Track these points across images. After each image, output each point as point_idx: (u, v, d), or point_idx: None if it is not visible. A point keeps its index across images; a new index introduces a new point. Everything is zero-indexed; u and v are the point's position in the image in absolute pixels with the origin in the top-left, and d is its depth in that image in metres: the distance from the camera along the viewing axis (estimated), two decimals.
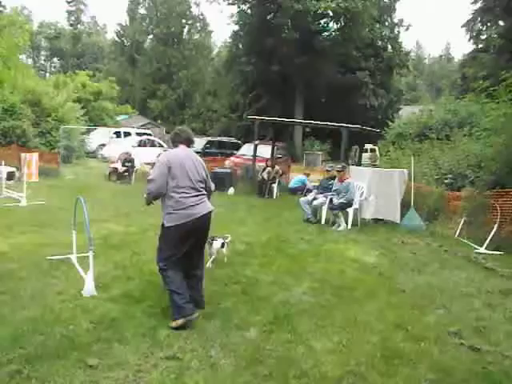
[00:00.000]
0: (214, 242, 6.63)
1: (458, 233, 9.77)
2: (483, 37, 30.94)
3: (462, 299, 5.93)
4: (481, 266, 7.67)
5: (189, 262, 4.90)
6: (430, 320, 5.15)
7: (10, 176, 14.50)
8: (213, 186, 5.23)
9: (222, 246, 6.82)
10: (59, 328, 4.32)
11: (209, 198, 5.05)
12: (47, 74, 77.79)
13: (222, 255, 6.98)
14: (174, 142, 5.10)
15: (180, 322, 4.51)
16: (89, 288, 5.27)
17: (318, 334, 4.59)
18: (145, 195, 4.83)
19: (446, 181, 11.87)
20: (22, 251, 6.87)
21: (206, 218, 4.84)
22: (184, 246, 4.74)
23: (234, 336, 4.44)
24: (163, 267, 4.74)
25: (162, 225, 4.82)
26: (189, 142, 5.09)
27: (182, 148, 5.00)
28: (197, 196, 4.77)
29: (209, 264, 6.55)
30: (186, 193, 4.70)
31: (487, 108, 13.14)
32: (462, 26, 32.11)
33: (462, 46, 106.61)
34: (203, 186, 4.91)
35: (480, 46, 30.76)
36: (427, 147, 14.60)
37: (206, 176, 5.01)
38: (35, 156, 16.12)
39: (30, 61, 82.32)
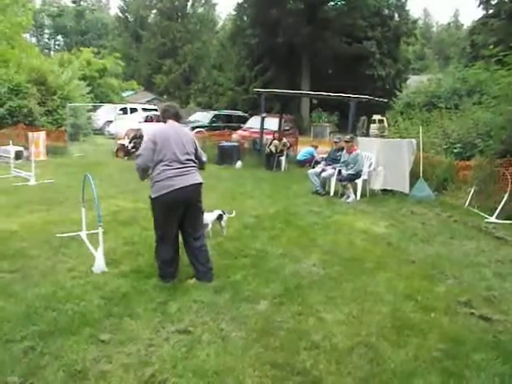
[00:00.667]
0: (209, 213, 6.58)
1: (467, 202, 9.71)
2: (494, 2, 30.25)
3: (472, 269, 5.91)
4: (491, 235, 7.64)
5: (183, 232, 5.15)
6: (439, 290, 5.14)
7: (18, 155, 14.53)
8: (204, 158, 5.37)
9: (220, 218, 6.81)
10: (71, 304, 4.36)
11: (202, 168, 5.31)
12: (51, 52, 77.34)
13: (224, 231, 6.99)
14: (164, 118, 5.24)
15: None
16: (99, 264, 5.31)
17: (329, 306, 4.60)
18: (135, 168, 5.07)
19: (455, 150, 11.78)
20: (32, 230, 6.92)
21: (188, 190, 4.91)
22: (170, 218, 4.97)
23: (245, 309, 4.46)
24: (157, 238, 5.11)
25: (149, 197, 5.02)
26: (177, 118, 5.22)
27: (169, 123, 5.14)
28: (179, 169, 4.89)
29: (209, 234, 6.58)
30: (168, 165, 4.84)
31: (497, 75, 12.92)
32: None
33: (471, 13, 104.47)
34: (189, 158, 5.01)
35: (490, 11, 30.09)
36: (436, 117, 14.46)
37: (195, 149, 5.14)
38: (42, 135, 16.12)
39: (33, 39, 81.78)
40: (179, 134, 5.04)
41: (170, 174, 4.82)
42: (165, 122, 5.20)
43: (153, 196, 4.91)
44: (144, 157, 4.91)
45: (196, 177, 5.03)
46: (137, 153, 5.10)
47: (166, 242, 5.04)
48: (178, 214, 4.95)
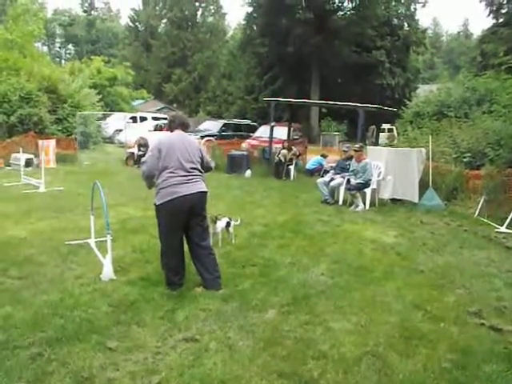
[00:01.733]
0: (218, 221, 6.64)
1: (477, 212, 9.64)
2: (504, 11, 30.15)
3: (482, 279, 5.86)
4: (501, 245, 7.58)
5: (189, 241, 5.19)
6: (449, 300, 5.10)
7: (28, 163, 14.66)
8: (212, 164, 5.56)
9: (228, 225, 6.81)
10: (78, 311, 4.37)
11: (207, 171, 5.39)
12: (62, 61, 78.17)
13: (232, 237, 7.03)
14: (171, 128, 5.30)
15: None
16: (107, 272, 5.32)
17: (337, 315, 4.57)
18: (142, 176, 5.15)
19: (464, 159, 11.70)
20: (41, 237, 6.95)
21: (192, 198, 4.94)
22: (174, 225, 5.01)
23: (252, 317, 4.44)
24: (163, 246, 5.21)
25: (154, 204, 5.09)
26: (184, 127, 5.29)
27: (176, 132, 5.22)
28: (184, 176, 4.93)
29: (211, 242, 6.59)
30: (173, 173, 4.89)
31: (507, 84, 12.89)
32: (481, 1, 31.33)
33: (480, 22, 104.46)
34: (194, 167, 5.05)
35: (500, 20, 29.97)
36: (445, 126, 14.39)
37: (201, 158, 5.18)
38: (52, 142, 16.25)
39: (45, 48, 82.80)
40: (184, 142, 5.09)
41: (175, 181, 4.87)
42: (172, 131, 5.26)
43: (157, 203, 4.98)
44: (149, 164, 4.99)
45: (201, 185, 5.08)
46: (142, 160, 5.19)
47: (171, 249, 5.10)
48: (181, 221, 4.98)
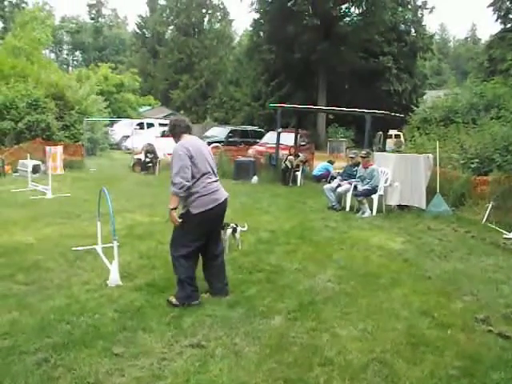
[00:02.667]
0: (227, 228, 6.68)
1: (485, 218, 9.58)
2: None
3: (490, 286, 5.82)
4: (509, 251, 7.51)
5: (206, 249, 4.99)
6: (456, 307, 5.07)
7: (36, 169, 14.72)
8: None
9: (234, 231, 6.83)
10: (85, 317, 4.38)
11: None
12: (70, 68, 78.68)
13: (238, 243, 7.04)
14: (176, 134, 4.97)
15: (180, 305, 4.71)
16: (114, 278, 5.33)
17: (343, 322, 4.55)
18: (175, 190, 4.57)
19: (472, 165, 11.65)
20: (48, 243, 6.97)
21: (226, 203, 4.97)
22: (205, 233, 4.86)
23: (259, 324, 4.44)
24: (180, 256, 4.79)
25: (185, 213, 4.77)
26: (190, 130, 5.04)
27: (190, 137, 4.96)
28: (217, 181, 4.92)
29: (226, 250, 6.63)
30: (210, 178, 4.79)
31: None
32: (489, 6, 31.31)
33: (488, 27, 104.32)
34: (216, 171, 5.02)
35: (508, 25, 29.92)
36: (453, 132, 14.35)
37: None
38: (60, 149, 16.32)
39: (52, 55, 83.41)
40: (205, 146, 5.07)
41: (214, 187, 4.81)
42: (177, 137, 4.95)
43: (196, 212, 4.68)
44: (186, 175, 4.57)
45: (224, 189, 5.05)
46: (174, 171, 4.58)
47: (192, 258, 4.88)
48: (213, 228, 4.98)
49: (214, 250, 5.06)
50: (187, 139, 4.89)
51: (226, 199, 4.94)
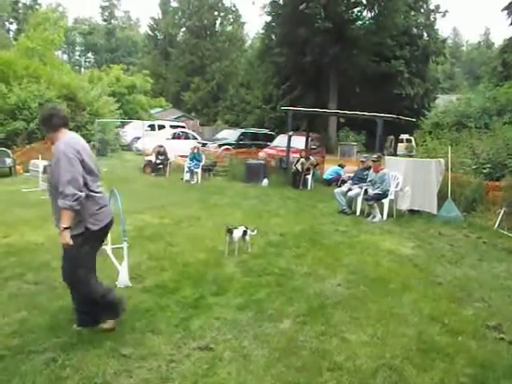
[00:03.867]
0: (235, 230, 6.69)
1: (497, 224, 9.51)
2: None
3: (501, 292, 5.77)
4: None
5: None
6: (467, 313, 5.02)
7: (47, 169, 14.77)
8: None
9: (244, 234, 6.83)
10: None
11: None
12: (82, 69, 79.14)
13: (248, 245, 7.03)
14: (52, 127, 4.01)
15: (114, 325, 4.19)
16: (123, 279, 5.34)
17: (353, 326, 4.52)
18: (67, 203, 3.73)
19: (484, 170, 11.58)
20: (57, 242, 6.94)
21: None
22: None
23: (268, 327, 4.42)
24: (86, 280, 4.08)
25: (81, 234, 3.94)
26: (68, 126, 4.14)
27: (71, 133, 4.13)
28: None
29: (226, 253, 6.73)
30: (100, 186, 4.11)
31: None
32: (503, 10, 31.06)
33: (502, 31, 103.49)
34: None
35: None
36: (465, 136, 14.27)
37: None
38: None
39: (65, 56, 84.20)
40: (88, 146, 4.21)
41: (107, 198, 4.25)
42: (54, 130, 4.02)
43: (98, 227, 3.98)
44: (80, 183, 3.78)
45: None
46: (64, 178, 3.72)
47: (93, 274, 4.22)
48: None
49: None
50: (71, 136, 4.04)
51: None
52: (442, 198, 10.50)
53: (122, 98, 33.40)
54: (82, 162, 3.83)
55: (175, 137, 25.33)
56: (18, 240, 7.11)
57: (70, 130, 4.18)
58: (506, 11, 30.97)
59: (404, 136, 29.87)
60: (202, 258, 6.54)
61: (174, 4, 64.09)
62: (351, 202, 11.02)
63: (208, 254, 6.79)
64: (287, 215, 10.36)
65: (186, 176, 15.78)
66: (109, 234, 6.54)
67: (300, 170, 15.30)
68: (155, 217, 9.29)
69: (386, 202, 10.39)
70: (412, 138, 27.32)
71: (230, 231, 6.61)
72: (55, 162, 3.85)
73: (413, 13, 38.62)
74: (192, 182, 15.48)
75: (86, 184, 3.85)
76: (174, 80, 58.51)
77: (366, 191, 10.60)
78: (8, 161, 15.19)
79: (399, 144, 29.43)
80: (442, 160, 10.75)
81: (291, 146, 17.23)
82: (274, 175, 16.45)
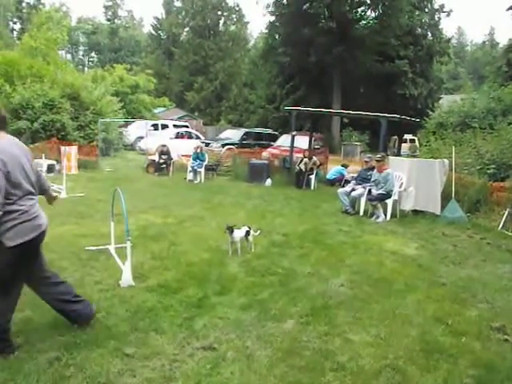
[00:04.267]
0: (236, 230, 6.69)
1: (501, 225, 9.48)
2: None
3: (505, 293, 5.74)
4: None
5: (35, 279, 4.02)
6: (471, 314, 5.00)
7: (50, 168, 14.84)
8: (47, 184, 4.33)
9: (247, 234, 6.82)
10: (97, 317, 4.37)
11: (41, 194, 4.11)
12: (85, 69, 79.30)
13: (251, 245, 7.05)
14: None
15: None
16: (126, 278, 5.33)
17: (356, 327, 4.51)
18: None
19: (488, 171, 11.54)
20: (61, 242, 7.00)
21: (46, 232, 3.89)
22: (25, 270, 3.79)
23: (271, 327, 4.41)
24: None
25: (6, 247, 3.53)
26: (4, 126, 3.69)
27: (3, 136, 3.63)
28: (36, 203, 3.79)
29: (230, 252, 6.73)
30: (30, 199, 3.68)
31: None
32: (508, 9, 30.93)
33: (507, 31, 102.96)
34: (35, 185, 3.82)
35: None
36: (469, 137, 14.22)
37: (36, 172, 3.95)
38: (74, 149, 16.41)
39: (68, 56, 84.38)
40: (24, 152, 3.74)
41: (35, 211, 3.69)
42: None
43: (16, 243, 3.51)
44: (1, 199, 3.38)
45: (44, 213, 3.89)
46: None
47: (13, 303, 3.78)
48: (35, 260, 3.93)
49: (41, 273, 4.09)
50: (3, 142, 3.57)
51: (46, 226, 3.87)
52: (445, 198, 10.48)
53: (126, 97, 33.39)
54: (8, 174, 3.41)
55: (178, 136, 25.37)
56: None
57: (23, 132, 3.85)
58: (510, 11, 30.86)
59: (408, 136, 29.83)
60: (206, 258, 6.54)
61: (178, 4, 64.31)
62: (355, 202, 11.00)
63: (211, 253, 6.79)
64: (290, 215, 10.36)
65: (190, 175, 15.81)
66: (112, 234, 6.61)
67: (303, 169, 15.30)
68: (158, 216, 9.30)
69: (389, 202, 10.37)
70: (416, 138, 27.29)
71: (230, 229, 6.60)
72: None
73: (417, 12, 38.49)
74: (195, 182, 15.50)
75: (8, 199, 3.46)
76: (177, 80, 58.55)
77: (369, 191, 10.58)
78: None
79: (403, 144, 29.40)
80: (446, 160, 10.74)
81: (295, 145, 17.24)
82: (278, 175, 16.45)
